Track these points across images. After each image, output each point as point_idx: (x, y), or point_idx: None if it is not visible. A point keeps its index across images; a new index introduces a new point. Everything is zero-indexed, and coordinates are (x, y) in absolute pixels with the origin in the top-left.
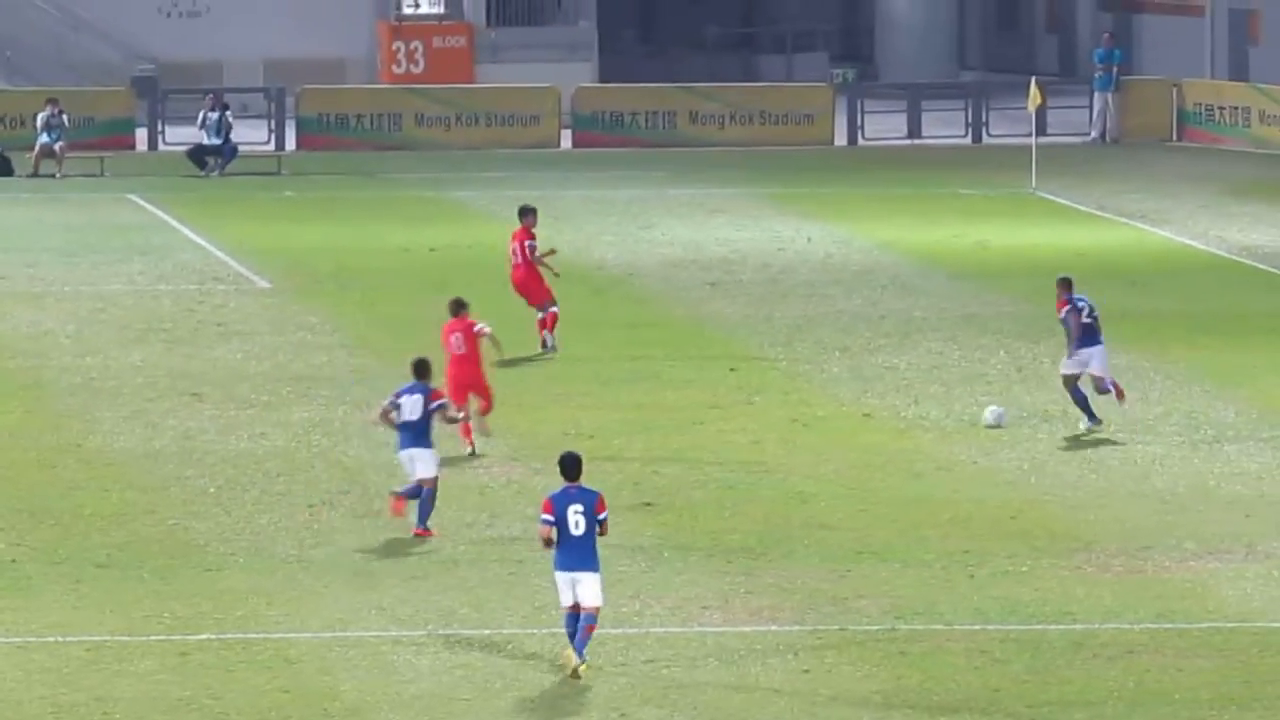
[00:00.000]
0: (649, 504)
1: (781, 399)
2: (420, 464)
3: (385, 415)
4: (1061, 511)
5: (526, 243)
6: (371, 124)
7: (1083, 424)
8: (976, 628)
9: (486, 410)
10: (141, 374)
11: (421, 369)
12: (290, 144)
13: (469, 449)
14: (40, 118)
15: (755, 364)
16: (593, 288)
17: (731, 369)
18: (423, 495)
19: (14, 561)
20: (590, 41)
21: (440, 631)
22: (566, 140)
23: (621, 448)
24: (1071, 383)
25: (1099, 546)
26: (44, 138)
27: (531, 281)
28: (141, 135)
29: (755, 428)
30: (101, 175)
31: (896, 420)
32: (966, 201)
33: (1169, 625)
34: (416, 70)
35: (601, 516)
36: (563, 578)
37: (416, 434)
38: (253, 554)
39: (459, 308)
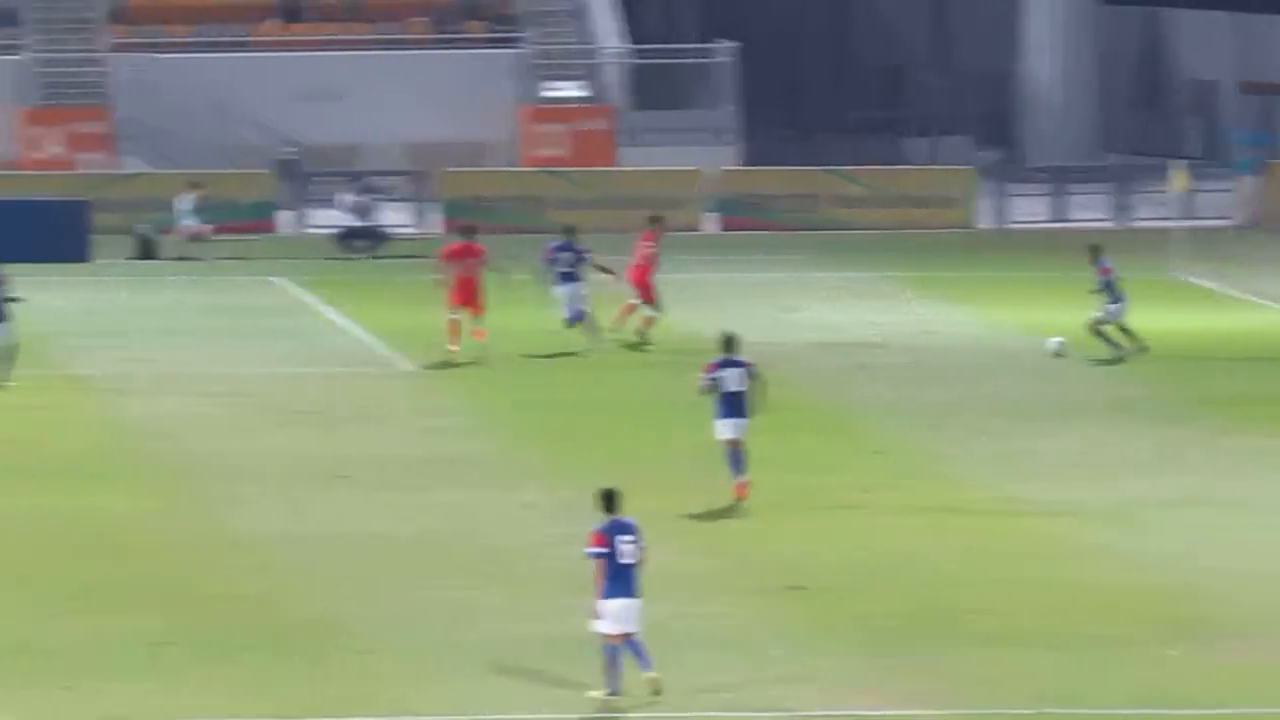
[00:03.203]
0: (798, 587)
1: (929, 483)
2: (733, 430)
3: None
4: (1212, 596)
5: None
6: (513, 208)
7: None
8: (1126, 713)
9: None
10: (289, 457)
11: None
12: (434, 227)
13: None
14: (184, 201)
15: (903, 448)
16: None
17: (879, 453)
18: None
19: (164, 645)
20: (733, 125)
21: (597, 715)
22: (709, 224)
23: (771, 531)
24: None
25: (1252, 632)
26: (188, 221)
27: (646, 282)
28: (285, 218)
29: (903, 511)
30: (245, 258)
31: (1044, 504)
32: None
33: None
34: (558, 153)
35: (643, 544)
36: (613, 606)
37: (739, 404)
38: (402, 636)
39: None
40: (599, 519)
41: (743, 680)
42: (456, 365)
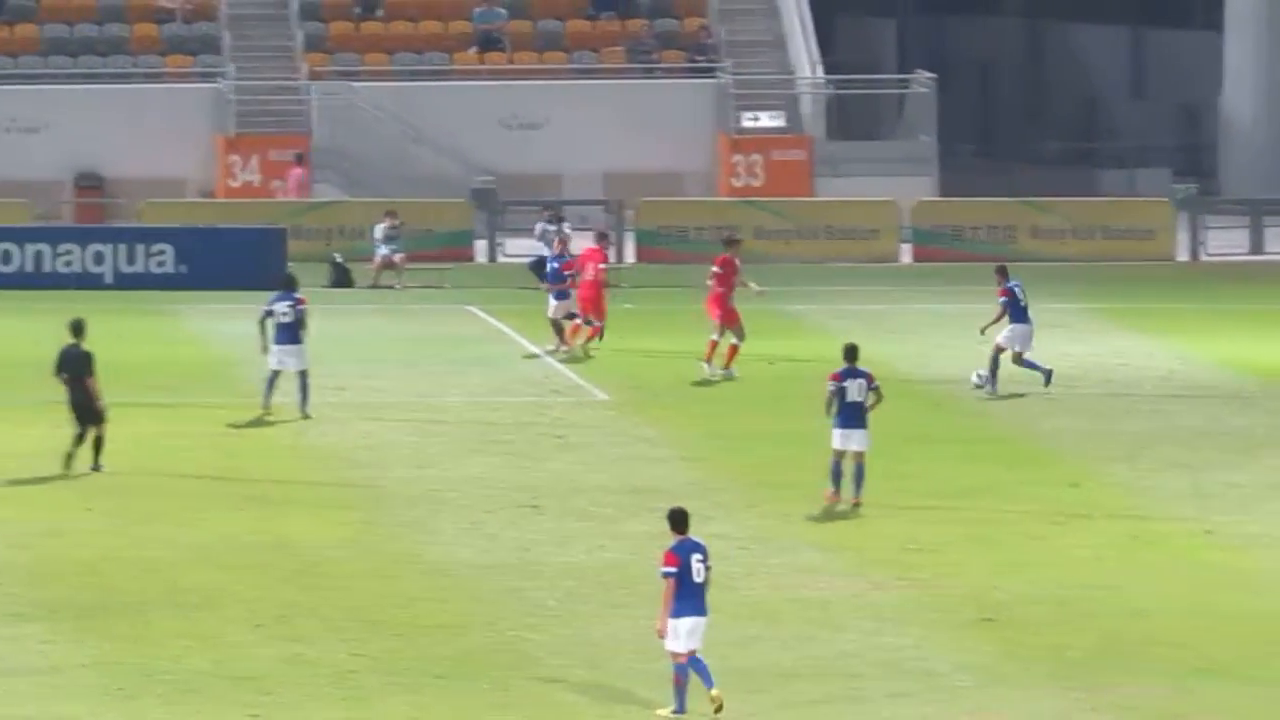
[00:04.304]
0: (989, 619)
1: (1122, 515)
2: (857, 442)
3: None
4: None
5: (715, 270)
6: (711, 237)
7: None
8: None
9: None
10: (480, 485)
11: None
12: (629, 256)
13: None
14: (379, 229)
15: (1095, 479)
16: (931, 401)
17: (1072, 484)
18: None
19: (353, 672)
20: (930, 156)
21: None
22: (905, 254)
23: (961, 562)
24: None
25: None
26: (383, 249)
27: (728, 308)
28: (480, 247)
29: (1095, 543)
30: (440, 287)
31: (1237, 537)
32: None
33: None
34: (756, 183)
35: (710, 564)
36: (685, 624)
37: (859, 413)
38: (590, 667)
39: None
40: (671, 539)
41: (933, 712)
42: (653, 393)
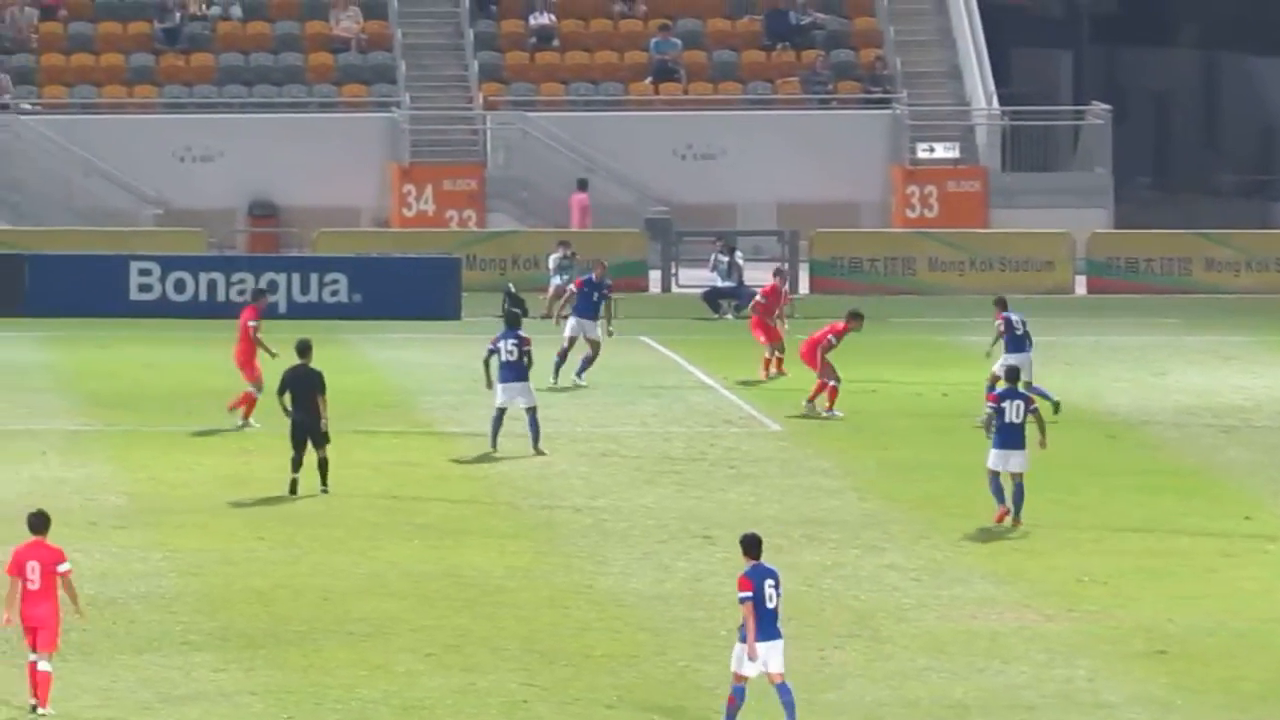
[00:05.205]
0: (1162, 651)
1: None
2: (1015, 464)
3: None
4: None
5: (830, 336)
6: (885, 267)
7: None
8: None
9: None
10: (653, 515)
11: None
12: (803, 287)
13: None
14: (553, 259)
15: (1269, 511)
16: (1105, 433)
17: (1247, 517)
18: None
19: (525, 701)
20: (1105, 187)
21: None
22: (1080, 286)
23: (1134, 594)
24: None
25: None
26: (557, 279)
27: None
28: (654, 277)
29: (1269, 576)
30: (614, 317)
31: None
32: None
33: None
34: (930, 214)
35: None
36: (761, 648)
37: (1018, 435)
38: (762, 697)
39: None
40: (745, 564)
41: None
42: (825, 423)
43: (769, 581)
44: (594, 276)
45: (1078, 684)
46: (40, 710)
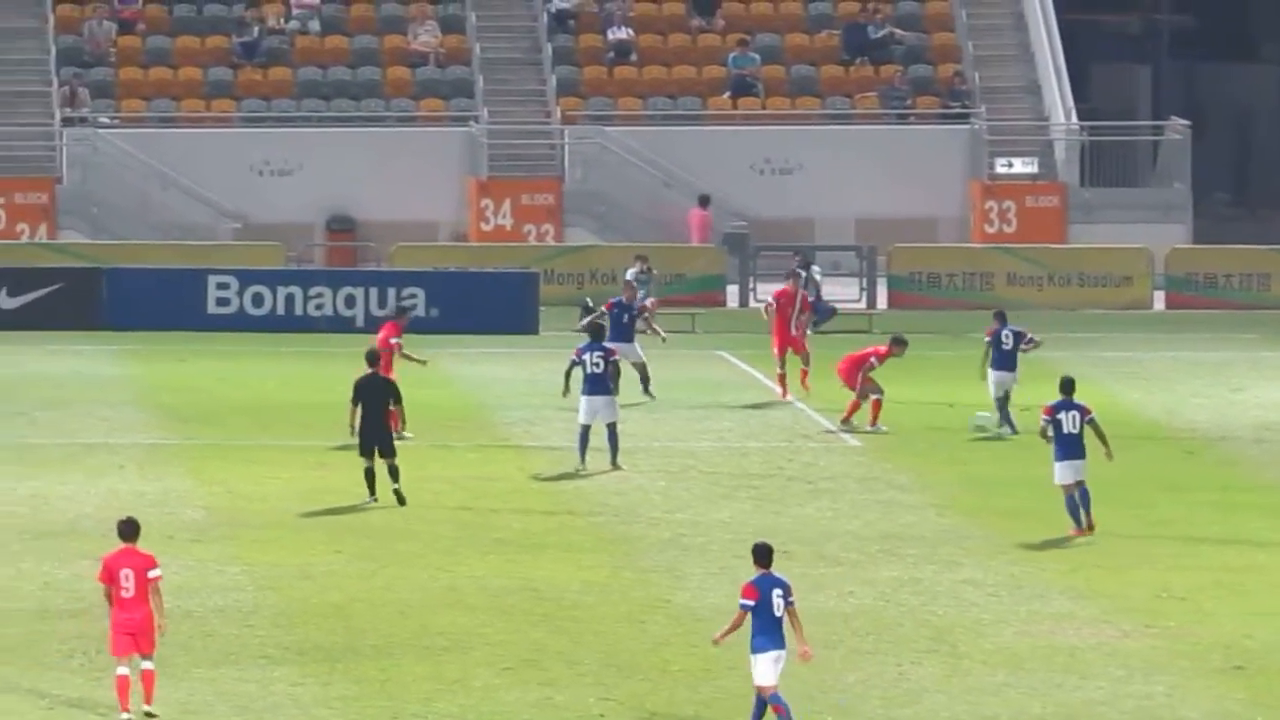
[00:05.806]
0: (1240, 667)
1: None
2: (1077, 471)
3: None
4: None
5: (872, 358)
6: (963, 283)
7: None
8: None
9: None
10: (730, 530)
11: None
12: (881, 302)
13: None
14: (629, 273)
15: None
16: (1183, 449)
17: None
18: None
19: (602, 716)
20: (1184, 203)
21: None
22: (1158, 301)
23: (1212, 610)
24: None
25: None
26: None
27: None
28: (732, 292)
29: None
30: (692, 331)
31: None
32: None
33: None
34: (1008, 230)
35: (793, 599)
36: (769, 657)
37: (1077, 444)
38: (839, 713)
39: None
40: (752, 573)
41: None
42: (904, 438)
43: (777, 591)
44: (624, 299)
45: (1156, 700)
46: (145, 709)
